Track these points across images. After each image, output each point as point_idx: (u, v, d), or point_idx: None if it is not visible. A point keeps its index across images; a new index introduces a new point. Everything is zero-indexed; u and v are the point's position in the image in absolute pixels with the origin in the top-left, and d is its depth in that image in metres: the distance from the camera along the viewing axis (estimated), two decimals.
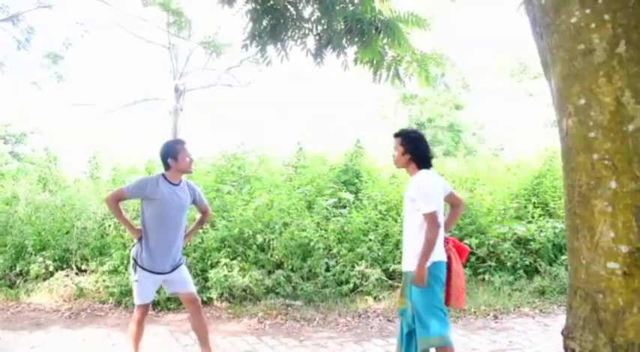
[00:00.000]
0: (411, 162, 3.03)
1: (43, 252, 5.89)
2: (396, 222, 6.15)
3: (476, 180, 7.57)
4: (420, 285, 2.83)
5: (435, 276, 2.87)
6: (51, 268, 5.76)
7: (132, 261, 3.34)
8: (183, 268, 3.47)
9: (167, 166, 3.36)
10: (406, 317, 3.00)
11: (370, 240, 5.78)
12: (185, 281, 3.46)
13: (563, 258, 5.76)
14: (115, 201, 3.37)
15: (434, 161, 3.26)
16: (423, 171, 3.00)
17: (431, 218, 2.82)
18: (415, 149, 3.03)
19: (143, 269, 3.28)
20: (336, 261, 5.55)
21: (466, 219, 6.13)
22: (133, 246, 3.40)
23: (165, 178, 3.35)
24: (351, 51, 4.00)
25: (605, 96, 1.54)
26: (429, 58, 4.16)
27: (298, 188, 6.79)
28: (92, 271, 5.75)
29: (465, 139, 18.45)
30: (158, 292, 5.10)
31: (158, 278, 3.34)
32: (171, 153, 3.34)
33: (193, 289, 3.51)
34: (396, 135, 3.12)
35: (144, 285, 3.31)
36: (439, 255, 2.91)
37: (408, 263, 2.95)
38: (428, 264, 2.82)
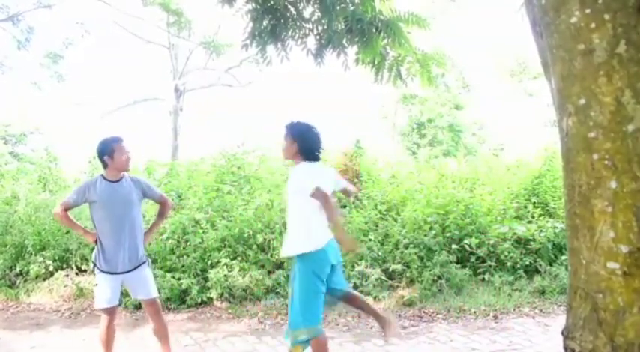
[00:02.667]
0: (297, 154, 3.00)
1: (43, 252, 5.89)
2: (395, 222, 6.15)
3: (476, 180, 7.57)
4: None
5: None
6: (51, 268, 5.76)
7: (92, 265, 3.34)
8: (146, 268, 3.38)
9: (104, 164, 3.33)
10: None
11: (370, 240, 5.78)
12: (145, 284, 3.36)
13: (563, 257, 5.76)
14: (61, 213, 3.32)
15: (435, 161, 3.31)
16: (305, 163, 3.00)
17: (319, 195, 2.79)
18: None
19: (102, 271, 3.25)
20: None
21: (466, 219, 6.13)
22: (92, 250, 3.38)
23: (104, 177, 3.32)
24: (352, 51, 4.01)
25: (605, 96, 1.55)
26: (430, 58, 4.16)
27: None
28: (92, 271, 5.74)
29: (465, 139, 18.45)
30: (158, 292, 5.11)
31: (118, 278, 3.27)
32: (107, 152, 3.29)
33: (154, 293, 3.41)
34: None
35: (105, 288, 3.25)
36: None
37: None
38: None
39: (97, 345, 3.44)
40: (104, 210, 3.25)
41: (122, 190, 3.32)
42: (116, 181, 3.32)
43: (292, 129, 3.03)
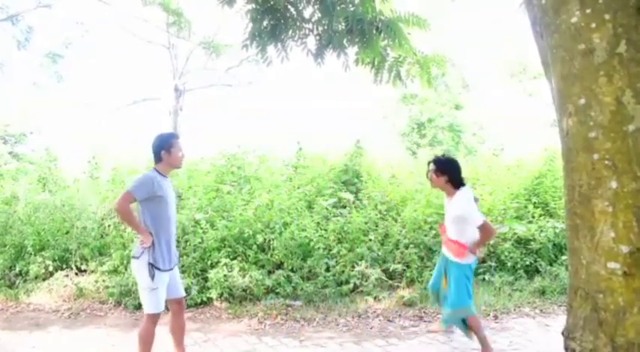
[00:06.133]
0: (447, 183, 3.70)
1: (43, 252, 5.89)
2: (395, 221, 6.14)
3: (476, 180, 7.56)
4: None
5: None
6: (50, 268, 5.76)
7: (148, 268, 3.13)
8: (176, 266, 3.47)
9: (159, 159, 3.30)
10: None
11: (370, 240, 5.78)
12: (180, 281, 3.47)
13: (563, 258, 5.76)
14: (127, 206, 3.18)
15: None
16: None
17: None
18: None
19: (161, 270, 3.17)
20: (336, 261, 5.54)
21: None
22: (142, 252, 3.17)
23: (158, 172, 3.30)
24: (352, 51, 4.01)
25: (606, 96, 1.54)
26: (430, 59, 4.17)
27: (298, 188, 6.79)
28: (92, 271, 5.74)
29: (465, 139, 18.41)
30: None
31: (168, 276, 3.28)
32: (166, 146, 3.29)
33: (183, 291, 3.52)
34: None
35: (162, 291, 3.21)
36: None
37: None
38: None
39: (134, 345, 3.29)
40: (165, 206, 3.23)
41: (172, 186, 3.39)
42: (167, 177, 3.35)
43: (440, 163, 3.71)
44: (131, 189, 3.19)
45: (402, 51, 4.08)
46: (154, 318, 3.22)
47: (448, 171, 3.66)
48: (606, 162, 1.54)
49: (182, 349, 3.44)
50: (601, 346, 1.56)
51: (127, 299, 5.18)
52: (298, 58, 4.12)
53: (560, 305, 4.97)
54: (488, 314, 4.79)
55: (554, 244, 6.01)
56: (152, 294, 3.17)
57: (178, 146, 3.34)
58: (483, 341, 3.73)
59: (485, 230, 3.56)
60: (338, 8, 3.72)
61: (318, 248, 5.56)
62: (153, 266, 3.14)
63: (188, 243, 5.59)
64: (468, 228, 3.61)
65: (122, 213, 3.21)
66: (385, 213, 6.37)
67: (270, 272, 5.46)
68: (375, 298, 5.21)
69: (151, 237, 3.17)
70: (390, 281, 5.50)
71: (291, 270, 5.47)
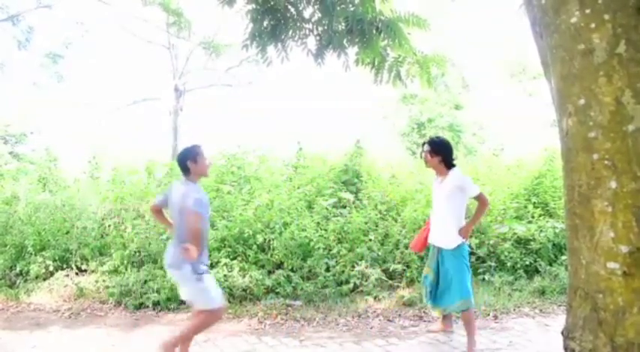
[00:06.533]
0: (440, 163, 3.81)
1: (43, 252, 5.89)
2: (395, 221, 6.14)
3: (476, 180, 7.55)
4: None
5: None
6: (51, 268, 5.76)
7: (195, 275, 3.25)
8: None
9: (187, 170, 3.42)
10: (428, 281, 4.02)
11: (370, 240, 5.78)
12: None
13: (563, 258, 5.76)
14: (198, 225, 3.24)
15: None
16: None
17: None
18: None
19: (206, 272, 3.37)
20: (336, 261, 5.54)
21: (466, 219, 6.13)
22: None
23: (191, 183, 3.44)
24: (352, 51, 4.02)
25: (605, 96, 1.55)
26: (430, 59, 4.17)
27: (298, 188, 6.79)
28: (92, 271, 5.75)
29: (464, 139, 18.40)
30: (158, 292, 5.12)
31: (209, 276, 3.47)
32: (192, 156, 3.40)
33: None
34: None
35: (214, 285, 3.41)
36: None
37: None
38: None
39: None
40: (206, 213, 3.39)
41: None
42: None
43: (434, 144, 3.82)
44: (196, 211, 3.22)
45: (402, 51, 4.08)
46: (217, 312, 3.40)
47: (442, 152, 3.79)
48: (606, 162, 1.55)
49: (186, 348, 3.48)
50: (600, 346, 1.56)
51: (127, 299, 5.18)
52: (298, 58, 4.12)
53: (559, 305, 4.97)
54: (488, 314, 4.79)
55: (554, 244, 6.01)
56: (206, 293, 3.32)
57: (203, 154, 3.47)
58: (472, 337, 3.82)
59: (481, 201, 3.76)
60: (338, 8, 3.72)
61: (318, 248, 5.56)
62: (195, 272, 3.27)
63: None
64: (460, 203, 3.75)
65: (192, 232, 3.22)
66: (385, 213, 6.37)
67: (270, 272, 5.46)
68: (375, 298, 5.21)
69: (197, 251, 3.22)
70: (390, 281, 5.51)
71: (291, 270, 5.47)
